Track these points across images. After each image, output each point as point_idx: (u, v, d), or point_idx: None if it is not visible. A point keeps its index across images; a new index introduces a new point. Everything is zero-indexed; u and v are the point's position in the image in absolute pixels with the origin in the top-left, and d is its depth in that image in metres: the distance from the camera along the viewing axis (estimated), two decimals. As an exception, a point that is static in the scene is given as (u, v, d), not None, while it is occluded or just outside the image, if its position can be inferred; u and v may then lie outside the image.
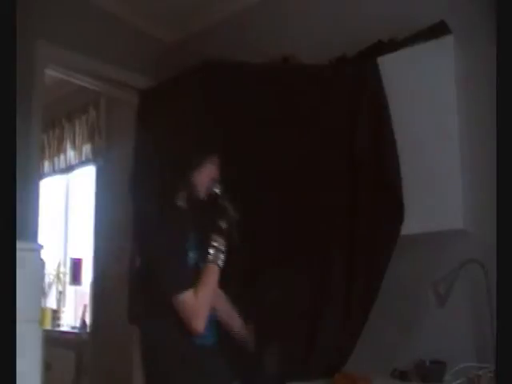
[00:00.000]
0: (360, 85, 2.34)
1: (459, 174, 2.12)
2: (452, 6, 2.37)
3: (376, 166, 2.25)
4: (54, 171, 4.91)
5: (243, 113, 2.42)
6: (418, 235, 2.18)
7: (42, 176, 4.07)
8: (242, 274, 2.30)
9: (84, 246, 4.62)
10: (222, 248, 1.79)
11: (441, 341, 2.24)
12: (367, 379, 2.14)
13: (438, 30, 2.23)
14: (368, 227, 2.23)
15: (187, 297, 1.70)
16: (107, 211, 4.12)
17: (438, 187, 2.15)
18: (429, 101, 2.21)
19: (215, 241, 1.79)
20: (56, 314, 4.71)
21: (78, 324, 4.48)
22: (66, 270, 4.88)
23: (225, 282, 1.91)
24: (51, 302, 4.84)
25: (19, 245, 1.53)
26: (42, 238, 3.15)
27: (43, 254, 2.37)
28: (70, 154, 4.72)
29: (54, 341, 3.87)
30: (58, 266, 4.93)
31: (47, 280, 4.70)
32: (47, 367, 2.68)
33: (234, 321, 2.01)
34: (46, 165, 4.93)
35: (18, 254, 1.48)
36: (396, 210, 2.16)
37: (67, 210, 5.07)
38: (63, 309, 4.85)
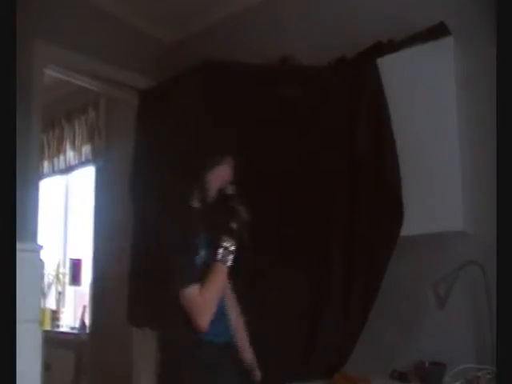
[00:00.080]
0: (360, 85, 2.34)
1: (459, 174, 2.12)
2: (452, 7, 2.38)
3: (376, 166, 2.25)
4: (54, 172, 4.89)
5: (243, 113, 2.42)
6: (417, 236, 2.18)
7: (41, 176, 4.06)
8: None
9: (83, 247, 4.61)
10: (232, 248, 1.81)
11: (440, 342, 2.24)
12: (366, 380, 2.14)
13: (437, 32, 2.23)
14: (368, 227, 2.24)
15: (193, 293, 1.73)
16: (107, 211, 4.11)
17: (438, 188, 2.15)
18: (428, 101, 2.21)
19: (225, 241, 1.81)
20: (55, 315, 4.70)
21: (77, 324, 4.47)
22: (66, 270, 4.86)
23: (232, 282, 1.96)
24: (51, 303, 4.82)
25: (19, 245, 1.53)
26: (41, 239, 3.15)
27: (43, 255, 2.35)
28: (70, 154, 4.70)
29: (54, 341, 3.86)
30: (58, 266, 4.91)
31: (47, 280, 4.68)
32: (47, 367, 2.68)
33: (245, 344, 2.02)
34: (46, 165, 4.91)
35: (18, 255, 1.48)
36: (396, 210, 2.16)
37: (67, 211, 5.06)
38: (63, 309, 4.84)
